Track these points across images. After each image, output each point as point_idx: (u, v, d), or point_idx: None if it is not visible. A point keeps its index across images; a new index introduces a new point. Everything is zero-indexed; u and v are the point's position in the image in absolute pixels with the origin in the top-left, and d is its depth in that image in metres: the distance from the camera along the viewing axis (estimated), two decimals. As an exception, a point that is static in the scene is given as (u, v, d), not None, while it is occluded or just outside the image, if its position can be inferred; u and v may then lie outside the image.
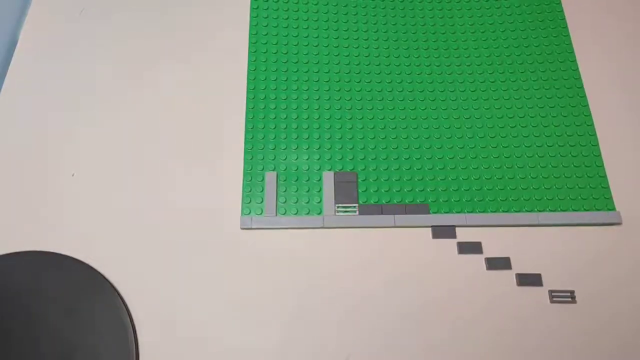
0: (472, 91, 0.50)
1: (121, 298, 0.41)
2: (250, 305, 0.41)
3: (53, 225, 0.44)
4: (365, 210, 0.45)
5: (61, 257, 0.42)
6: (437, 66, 0.51)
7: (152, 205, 0.45)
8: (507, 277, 0.43)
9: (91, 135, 0.48)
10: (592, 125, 0.48)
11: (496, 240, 0.44)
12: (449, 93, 0.50)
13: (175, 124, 0.49)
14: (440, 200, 0.45)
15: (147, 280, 0.42)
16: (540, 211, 0.44)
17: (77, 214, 0.45)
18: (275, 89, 0.50)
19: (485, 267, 0.43)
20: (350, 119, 0.49)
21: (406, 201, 0.45)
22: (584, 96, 0.50)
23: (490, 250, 0.43)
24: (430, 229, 0.44)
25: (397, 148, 0.47)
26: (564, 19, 0.54)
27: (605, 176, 0.46)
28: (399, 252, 0.43)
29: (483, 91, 0.50)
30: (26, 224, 0.44)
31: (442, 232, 0.44)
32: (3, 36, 0.54)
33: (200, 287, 0.42)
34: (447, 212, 0.45)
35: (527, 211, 0.44)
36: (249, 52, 0.52)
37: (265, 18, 0.54)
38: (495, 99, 0.50)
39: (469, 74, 0.51)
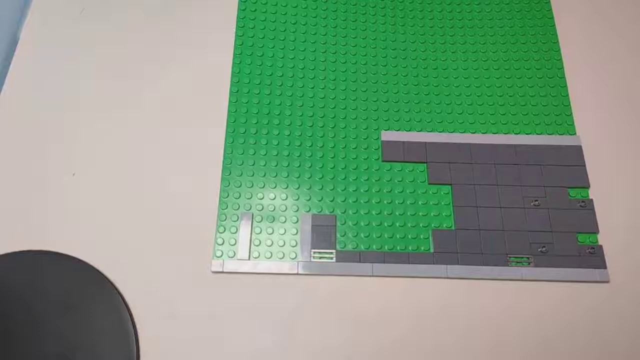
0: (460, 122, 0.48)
1: (122, 297, 0.41)
2: (248, 303, 0.41)
3: (53, 225, 0.44)
4: (342, 257, 0.43)
5: (61, 256, 0.42)
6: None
7: (153, 204, 0.45)
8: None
9: (91, 135, 0.48)
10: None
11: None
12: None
13: (171, 126, 0.48)
14: (422, 248, 0.43)
15: (148, 279, 0.42)
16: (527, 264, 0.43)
17: (78, 214, 0.45)
18: (256, 123, 0.48)
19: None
20: (333, 157, 0.47)
21: (386, 248, 0.43)
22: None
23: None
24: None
25: (379, 191, 0.46)
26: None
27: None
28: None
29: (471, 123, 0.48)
30: (26, 224, 0.44)
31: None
32: (4, 36, 0.54)
33: (200, 285, 0.42)
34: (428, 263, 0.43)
35: (516, 265, 0.43)
36: (231, 83, 0.50)
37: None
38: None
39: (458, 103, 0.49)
